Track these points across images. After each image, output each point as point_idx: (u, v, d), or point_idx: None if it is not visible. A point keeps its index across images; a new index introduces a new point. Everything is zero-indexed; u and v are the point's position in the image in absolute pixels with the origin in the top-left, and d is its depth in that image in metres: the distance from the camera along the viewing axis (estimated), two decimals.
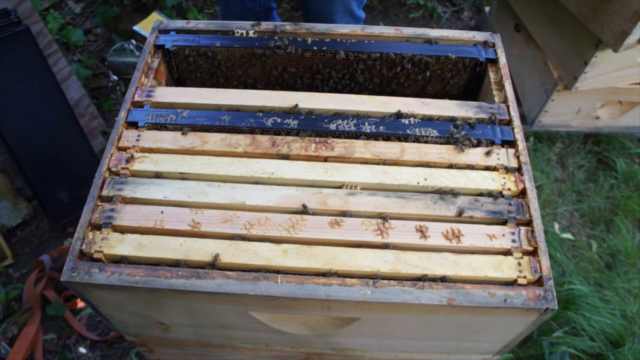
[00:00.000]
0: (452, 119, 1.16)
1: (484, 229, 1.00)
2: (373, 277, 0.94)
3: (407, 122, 1.15)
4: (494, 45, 1.29)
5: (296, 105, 1.16)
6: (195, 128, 1.16)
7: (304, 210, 1.02)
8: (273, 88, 1.36)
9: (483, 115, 1.17)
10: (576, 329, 1.83)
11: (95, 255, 0.96)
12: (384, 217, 1.01)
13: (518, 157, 1.10)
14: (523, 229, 1.00)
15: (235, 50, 1.28)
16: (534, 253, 0.99)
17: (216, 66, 1.32)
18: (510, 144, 1.14)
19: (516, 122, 1.16)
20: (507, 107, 1.18)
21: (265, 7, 2.05)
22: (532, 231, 1.00)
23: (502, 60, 1.26)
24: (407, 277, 0.95)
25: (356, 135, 1.15)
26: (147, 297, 0.98)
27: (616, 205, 2.20)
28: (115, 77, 2.56)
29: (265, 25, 1.31)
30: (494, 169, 1.09)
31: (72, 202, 2.05)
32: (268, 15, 2.10)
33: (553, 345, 1.80)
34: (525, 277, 0.95)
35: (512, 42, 2.55)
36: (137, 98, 1.19)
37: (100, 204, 1.02)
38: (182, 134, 1.12)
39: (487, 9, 2.84)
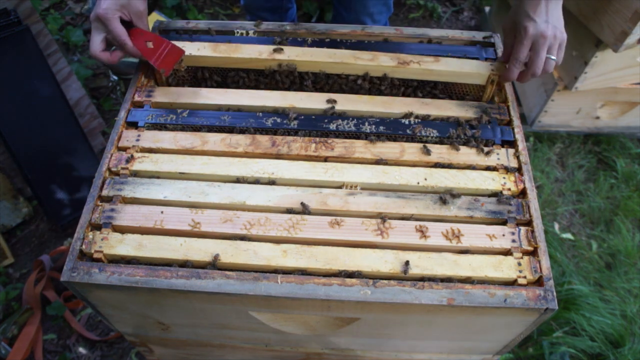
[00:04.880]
0: (452, 119, 1.16)
1: (484, 229, 1.00)
2: (373, 277, 0.94)
3: (407, 122, 1.15)
4: (494, 45, 1.29)
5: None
6: (195, 128, 1.16)
7: (304, 209, 1.02)
8: (272, 88, 1.36)
9: (483, 115, 1.17)
10: (576, 329, 1.83)
11: (95, 255, 0.96)
12: (383, 217, 1.01)
13: (518, 157, 1.10)
14: (523, 229, 1.00)
15: None
16: (534, 253, 0.99)
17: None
18: (510, 144, 1.14)
19: (516, 122, 1.16)
20: (507, 107, 1.19)
21: None
22: (532, 231, 1.00)
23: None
24: (406, 277, 0.95)
25: (356, 135, 1.15)
26: (147, 297, 0.98)
27: (616, 205, 2.19)
28: (115, 77, 2.56)
29: (266, 25, 1.31)
30: (494, 169, 1.09)
31: (72, 202, 2.05)
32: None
33: (553, 345, 1.80)
34: (525, 277, 0.95)
35: None
36: (137, 98, 1.19)
37: (100, 204, 1.02)
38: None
39: (487, 9, 2.84)
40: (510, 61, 1.14)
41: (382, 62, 1.21)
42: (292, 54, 1.22)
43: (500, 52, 1.27)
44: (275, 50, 1.21)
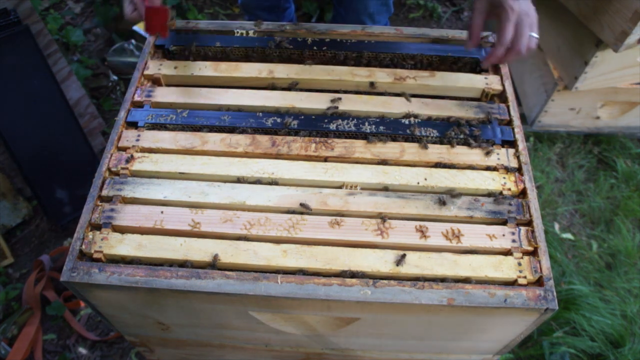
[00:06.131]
0: (452, 119, 1.16)
1: (484, 229, 1.00)
2: (373, 277, 0.94)
3: (407, 122, 1.15)
4: (493, 44, 1.28)
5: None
6: (195, 128, 1.16)
7: (304, 209, 1.02)
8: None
9: (483, 115, 1.17)
10: (576, 329, 1.83)
11: (95, 255, 0.96)
12: (383, 217, 1.01)
13: (518, 157, 1.10)
14: (523, 229, 1.00)
15: (235, 50, 1.28)
16: (534, 253, 0.99)
17: None
18: (510, 144, 1.14)
19: (516, 122, 1.16)
20: (507, 107, 1.19)
21: None
22: (532, 231, 1.00)
23: None
24: (406, 277, 0.95)
25: (356, 135, 1.15)
26: (147, 297, 0.98)
27: (616, 205, 2.19)
28: (115, 77, 2.56)
29: (266, 25, 1.31)
30: (494, 169, 1.09)
31: (72, 202, 2.04)
32: None
33: (553, 346, 1.80)
34: (525, 277, 0.95)
35: None
36: (137, 98, 1.19)
37: (100, 204, 1.02)
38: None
39: None
40: (498, 42, 1.12)
41: (379, 79, 1.21)
42: (292, 72, 1.22)
43: None
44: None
